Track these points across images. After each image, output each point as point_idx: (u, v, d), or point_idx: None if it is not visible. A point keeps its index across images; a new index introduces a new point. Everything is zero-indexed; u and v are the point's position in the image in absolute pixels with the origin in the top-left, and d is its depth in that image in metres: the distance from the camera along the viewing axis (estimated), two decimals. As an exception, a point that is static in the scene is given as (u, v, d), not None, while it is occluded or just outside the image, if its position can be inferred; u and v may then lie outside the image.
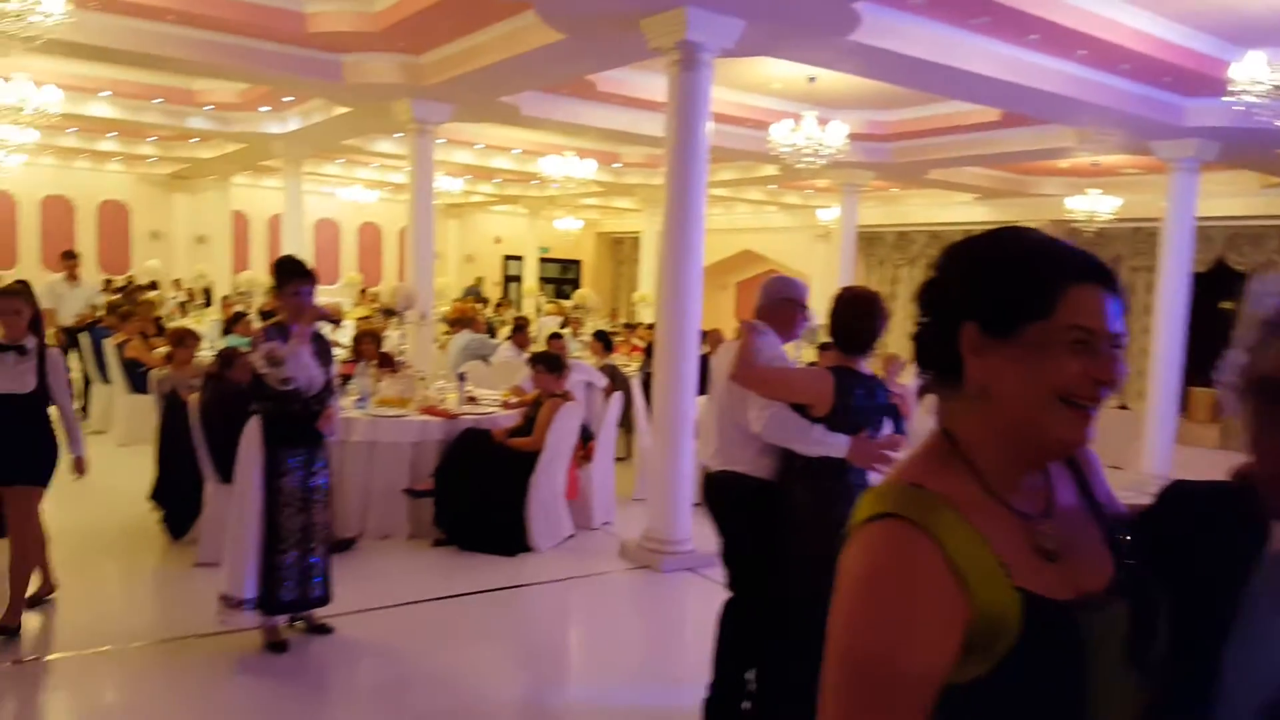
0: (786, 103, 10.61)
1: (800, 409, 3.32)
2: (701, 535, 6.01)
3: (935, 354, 1.15)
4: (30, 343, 4.30)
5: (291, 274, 4.16)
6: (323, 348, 4.30)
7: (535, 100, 9.69)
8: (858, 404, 3.27)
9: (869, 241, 18.45)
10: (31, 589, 4.52)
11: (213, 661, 4.18)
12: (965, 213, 16.69)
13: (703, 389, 6.53)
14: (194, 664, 4.17)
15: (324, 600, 4.37)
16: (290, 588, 4.21)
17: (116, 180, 19.14)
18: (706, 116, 5.75)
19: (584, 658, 4.68)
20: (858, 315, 3.32)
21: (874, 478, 3.24)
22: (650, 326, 13.22)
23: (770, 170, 13.54)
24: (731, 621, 3.67)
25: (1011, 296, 1.08)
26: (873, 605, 1.01)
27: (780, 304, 3.69)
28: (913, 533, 1.02)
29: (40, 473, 4.35)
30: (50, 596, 4.76)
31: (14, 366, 4.25)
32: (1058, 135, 10.06)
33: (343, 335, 10.04)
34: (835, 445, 3.24)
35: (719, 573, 5.63)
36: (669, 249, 5.78)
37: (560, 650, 4.77)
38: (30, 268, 16.42)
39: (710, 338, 8.11)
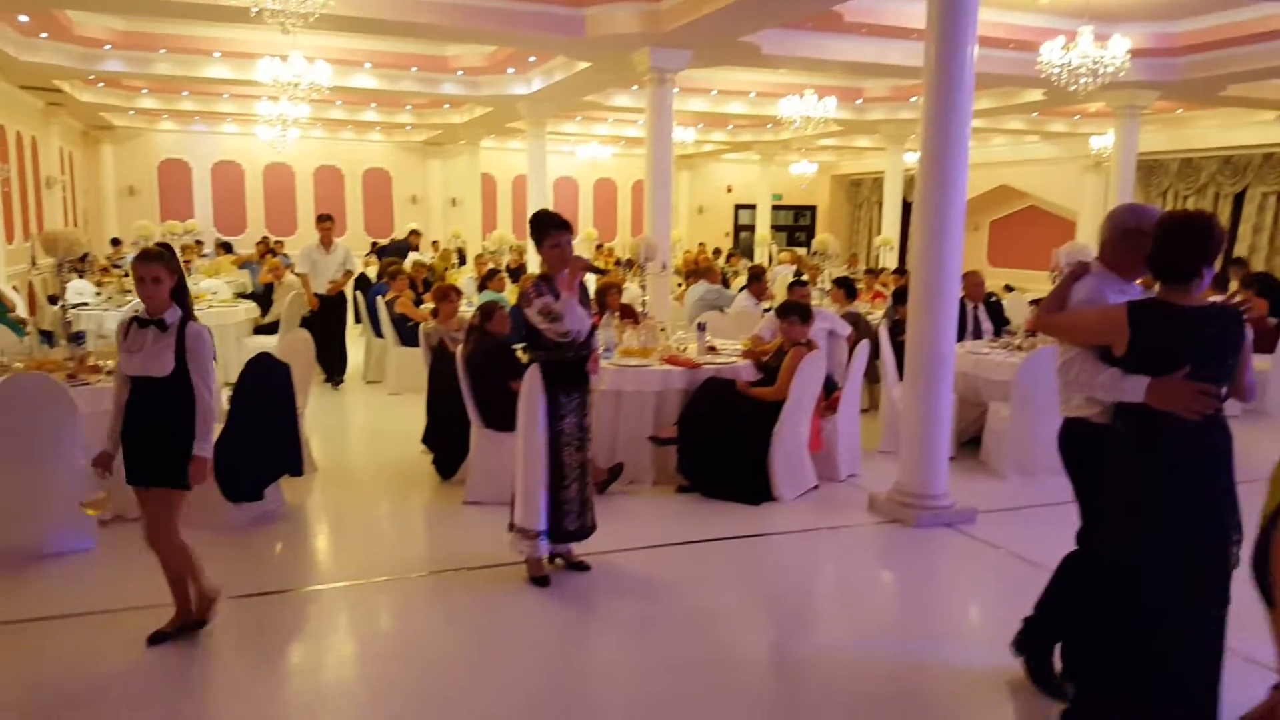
0: (1057, 19, 9.79)
1: (1108, 352, 3.08)
2: (961, 490, 5.85)
3: None
4: (172, 316, 3.66)
5: (549, 226, 4.40)
6: (584, 295, 4.53)
7: (776, 38, 9.50)
8: (1167, 341, 2.97)
9: (1148, 171, 16.78)
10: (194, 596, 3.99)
11: (482, 592, 4.50)
12: (1263, 133, 14.78)
13: (961, 335, 6.23)
14: (465, 594, 4.51)
15: (593, 528, 4.71)
16: (573, 519, 4.57)
17: (378, 149, 20.80)
18: (973, 38, 5.34)
19: (833, 608, 4.65)
20: (1178, 239, 2.99)
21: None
22: (896, 271, 12.78)
23: (1035, 96, 12.59)
24: (1062, 575, 3.56)
25: None
26: None
27: (1125, 236, 3.29)
28: None
29: (180, 474, 3.70)
30: (200, 628, 4.00)
31: (152, 345, 3.62)
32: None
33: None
34: (1130, 388, 2.98)
35: (981, 529, 5.53)
36: (926, 186, 5.47)
37: (809, 599, 4.75)
38: (307, 234, 18.26)
39: (966, 280, 7.71)
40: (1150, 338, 2.98)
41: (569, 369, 4.47)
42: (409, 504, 5.96)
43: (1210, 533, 2.99)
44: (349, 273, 9.56)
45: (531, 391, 4.46)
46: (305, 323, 9.15)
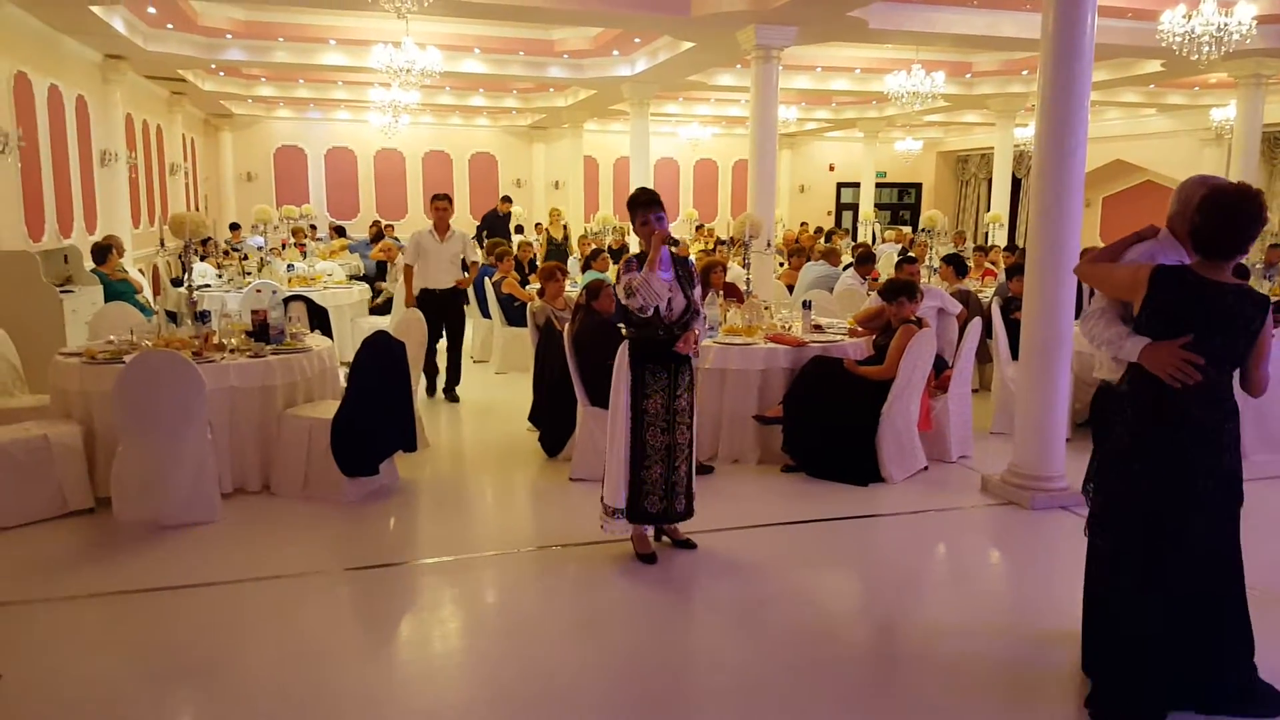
0: (1177, -15, 9.20)
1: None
2: (1077, 472, 5.55)
3: None
4: None
5: (637, 204, 4.37)
6: (685, 272, 4.43)
7: (884, 11, 9.22)
8: (1178, 307, 2.98)
9: (1271, 144, 15.86)
10: None
11: (587, 568, 4.49)
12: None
13: (1077, 313, 5.97)
14: (570, 570, 4.51)
15: (686, 514, 4.55)
16: (655, 501, 4.44)
17: (484, 134, 21.07)
18: (1093, 6, 5.11)
19: (944, 591, 4.47)
20: (1221, 214, 2.94)
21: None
22: (1007, 249, 12.29)
23: (1153, 67, 11.92)
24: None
25: None
26: None
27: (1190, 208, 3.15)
28: None
29: None
30: None
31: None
32: None
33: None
34: (1131, 346, 3.04)
35: None
36: (1044, 161, 5.25)
37: (920, 581, 4.59)
38: (417, 218, 18.61)
39: (1083, 254, 7.32)
40: (1164, 300, 3.00)
41: (657, 347, 4.36)
42: (516, 481, 6.01)
43: (1184, 512, 3.02)
44: (474, 265, 7.99)
45: (619, 369, 4.41)
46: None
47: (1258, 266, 10.68)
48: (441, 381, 8.03)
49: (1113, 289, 3.18)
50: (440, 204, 7.82)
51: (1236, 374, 3.10)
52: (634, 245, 13.02)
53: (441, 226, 7.77)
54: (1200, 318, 2.97)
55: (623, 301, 4.33)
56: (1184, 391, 2.99)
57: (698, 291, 4.46)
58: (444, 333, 7.77)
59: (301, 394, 5.67)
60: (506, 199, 15.79)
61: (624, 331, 4.48)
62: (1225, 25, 8.22)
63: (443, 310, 7.67)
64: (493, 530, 5.12)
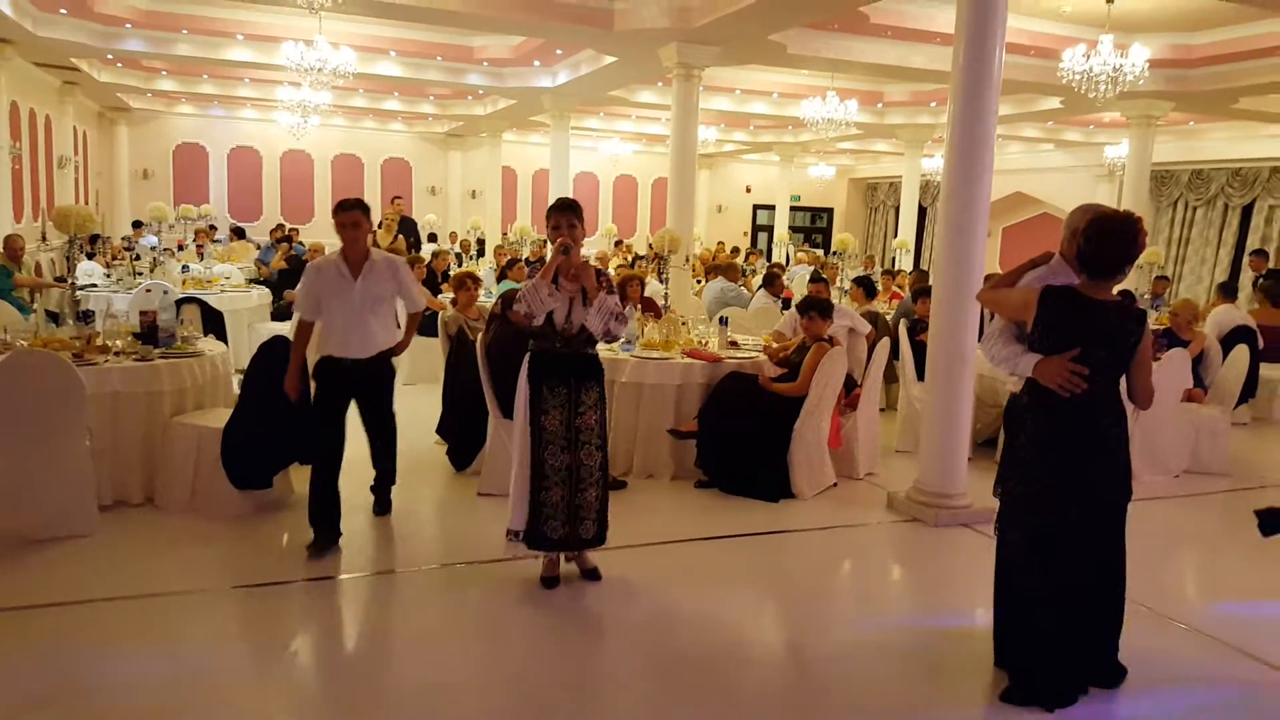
0: (1079, 28, 9.67)
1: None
2: (979, 490, 5.68)
3: None
4: None
5: (550, 210, 4.27)
6: (598, 286, 4.17)
7: (803, 37, 9.38)
8: (1066, 324, 3.22)
9: (1159, 181, 16.78)
10: None
11: (492, 588, 4.34)
12: (1273, 147, 14.77)
13: (980, 336, 6.11)
14: (474, 590, 4.35)
15: (596, 541, 4.31)
16: (556, 526, 4.19)
17: (399, 139, 20.70)
18: (1001, 40, 5.28)
19: (850, 606, 4.48)
20: (1102, 236, 3.18)
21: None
22: (916, 272, 12.57)
23: (1052, 104, 12.42)
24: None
25: None
26: None
27: (1076, 235, 3.42)
28: None
29: None
30: None
31: None
32: None
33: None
34: (1025, 363, 3.28)
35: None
36: (952, 186, 5.38)
37: (827, 596, 4.59)
38: (324, 222, 18.09)
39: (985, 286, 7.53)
40: (1052, 318, 3.25)
41: (554, 360, 4.17)
42: (421, 495, 5.84)
43: (1080, 504, 3.30)
44: (412, 318, 5.10)
45: (521, 382, 4.22)
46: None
47: (1145, 297, 11.17)
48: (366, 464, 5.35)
49: (1009, 311, 3.42)
50: (351, 218, 4.61)
51: (1124, 385, 3.37)
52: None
53: (356, 254, 4.71)
54: (1085, 332, 3.23)
55: (513, 308, 4.19)
56: (1075, 400, 3.24)
57: (609, 301, 4.16)
58: (371, 425, 5.08)
59: (191, 401, 5.40)
60: (396, 198, 14.36)
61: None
62: (1120, 66, 8.62)
63: (364, 392, 4.89)
64: (394, 546, 4.94)
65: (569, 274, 4.11)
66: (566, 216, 4.18)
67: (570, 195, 13.90)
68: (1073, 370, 3.19)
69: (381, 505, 5.30)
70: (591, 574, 4.44)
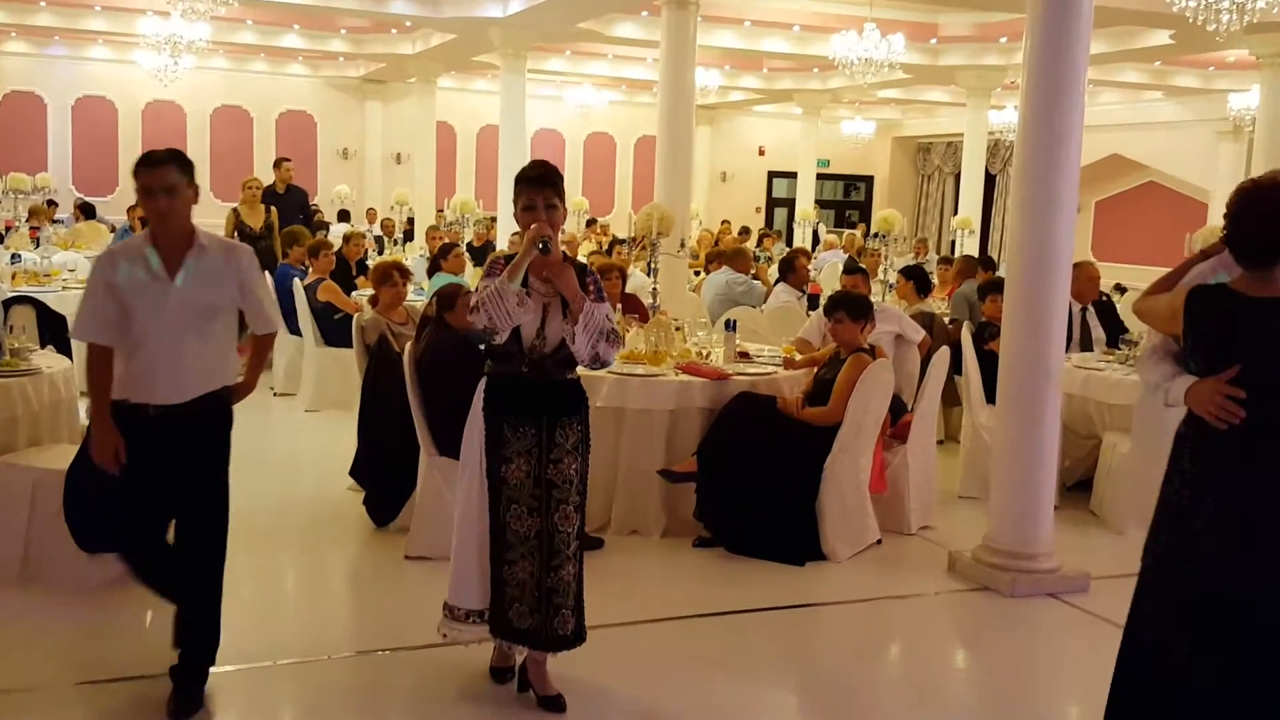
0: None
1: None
2: (1069, 548, 5.77)
3: None
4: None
5: (519, 180, 4.07)
6: (578, 283, 3.97)
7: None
8: (1218, 333, 3.19)
9: (1303, 139, 16.82)
10: None
11: (424, 682, 4.34)
12: None
13: (1067, 345, 6.16)
14: (401, 684, 4.34)
15: (574, 639, 4.10)
16: (524, 613, 4.04)
17: (299, 86, 20.74)
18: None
19: (902, 704, 4.49)
20: (1246, 207, 3.15)
21: None
22: (982, 261, 12.62)
23: (1161, 39, 12.53)
24: None
25: None
26: None
27: None
28: None
29: None
30: None
31: None
32: None
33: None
34: (1176, 388, 3.27)
35: (1095, 600, 5.42)
36: (1031, 147, 5.41)
37: (869, 690, 4.60)
38: (205, 202, 18.02)
39: (1077, 275, 7.55)
40: (1202, 328, 3.21)
41: (521, 390, 4.02)
42: (331, 560, 5.86)
43: (1259, 584, 3.11)
44: (264, 339, 4.37)
45: (473, 415, 4.11)
46: None
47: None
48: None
49: (1160, 323, 3.44)
50: (161, 179, 3.86)
51: None
52: (503, 240, 12.96)
53: (170, 237, 3.97)
54: (1247, 343, 3.15)
55: (469, 318, 4.02)
56: (1244, 431, 3.11)
57: (598, 313, 3.95)
58: (183, 522, 4.14)
59: (24, 435, 5.42)
60: (281, 162, 13.68)
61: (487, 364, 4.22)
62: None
63: (175, 461, 4.02)
64: (295, 629, 4.94)
65: (542, 274, 3.96)
66: (543, 193, 3.99)
67: (526, 160, 13.91)
68: (1229, 394, 3.10)
69: (184, 691, 4.06)
70: (553, 703, 4.13)
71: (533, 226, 3.90)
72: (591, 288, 4.00)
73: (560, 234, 4.13)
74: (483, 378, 4.13)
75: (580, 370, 4.12)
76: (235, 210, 11.23)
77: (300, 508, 6.55)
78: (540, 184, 4.01)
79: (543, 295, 3.97)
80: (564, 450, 4.05)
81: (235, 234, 10.80)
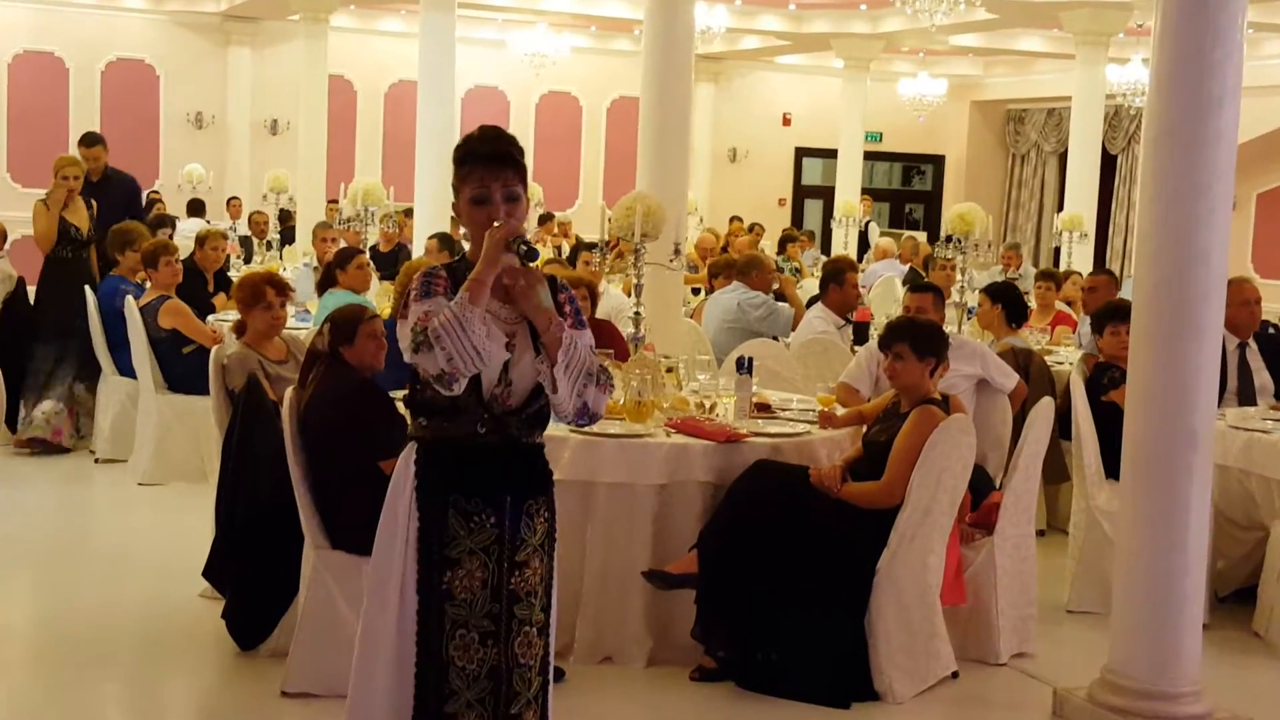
0: None
1: None
2: (1223, 682, 5.84)
3: None
4: None
5: (474, 157, 3.96)
6: (545, 304, 3.89)
7: None
8: None
9: None
10: None
11: None
12: None
13: (1219, 396, 6.23)
14: None
15: None
16: None
17: (134, 27, 20.81)
18: None
19: None
20: None
21: None
22: (1099, 275, 12.71)
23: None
24: None
25: None
26: None
27: None
28: None
29: None
30: None
31: None
32: None
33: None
34: None
35: None
36: (1165, 122, 5.50)
37: None
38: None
39: (1232, 296, 7.64)
40: None
41: (475, 458, 3.97)
42: (171, 694, 5.92)
43: None
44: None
45: (394, 497, 4.01)
46: None
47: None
48: None
49: None
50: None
51: None
52: (420, 246, 12.92)
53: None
54: None
55: (408, 358, 3.99)
56: None
57: (581, 344, 3.89)
58: None
59: None
60: (88, 139, 13.51)
61: (408, 420, 4.18)
62: None
63: None
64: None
65: (503, 293, 3.85)
66: (501, 175, 3.93)
67: (456, 129, 13.89)
68: None
69: None
70: None
71: (496, 225, 3.82)
72: (568, 309, 3.93)
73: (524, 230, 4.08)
74: (410, 443, 4.10)
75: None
76: (44, 202, 11.01)
77: (130, 619, 6.57)
78: (496, 163, 3.94)
79: (505, 323, 3.86)
80: (531, 548, 3.99)
81: (57, 239, 10.68)
